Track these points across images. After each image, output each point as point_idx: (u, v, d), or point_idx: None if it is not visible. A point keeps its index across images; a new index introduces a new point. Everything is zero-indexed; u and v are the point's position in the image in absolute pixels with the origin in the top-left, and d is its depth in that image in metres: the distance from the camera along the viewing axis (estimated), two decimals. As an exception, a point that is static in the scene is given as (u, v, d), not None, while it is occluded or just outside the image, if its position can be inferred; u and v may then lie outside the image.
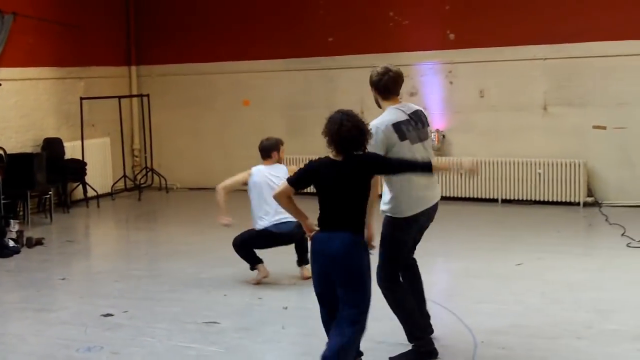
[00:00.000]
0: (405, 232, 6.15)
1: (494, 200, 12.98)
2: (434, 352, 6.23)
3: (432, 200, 6.22)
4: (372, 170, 5.55)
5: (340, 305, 5.46)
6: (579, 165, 12.41)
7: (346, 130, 5.38)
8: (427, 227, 6.38)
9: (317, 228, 5.51)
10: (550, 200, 12.65)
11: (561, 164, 12.54)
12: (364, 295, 5.45)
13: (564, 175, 12.52)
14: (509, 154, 12.91)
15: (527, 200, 12.80)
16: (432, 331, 6.46)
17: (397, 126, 6.01)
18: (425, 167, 5.74)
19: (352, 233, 5.41)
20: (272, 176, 8.54)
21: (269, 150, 8.74)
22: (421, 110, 6.32)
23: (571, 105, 12.67)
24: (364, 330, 5.54)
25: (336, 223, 5.43)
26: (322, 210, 5.52)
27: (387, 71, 6.24)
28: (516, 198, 12.86)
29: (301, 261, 8.72)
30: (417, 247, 6.49)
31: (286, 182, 5.59)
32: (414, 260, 6.53)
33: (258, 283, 8.54)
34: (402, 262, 6.29)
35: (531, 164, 12.73)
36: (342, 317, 5.45)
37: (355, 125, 5.42)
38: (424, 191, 6.13)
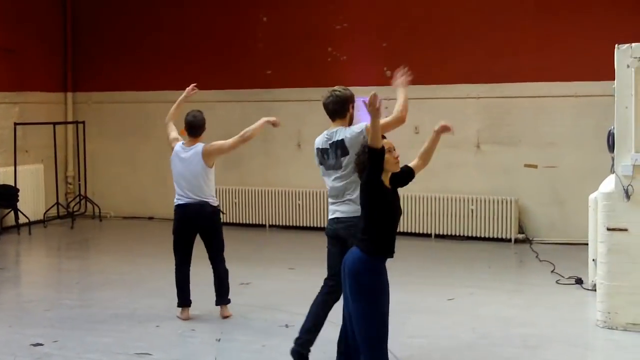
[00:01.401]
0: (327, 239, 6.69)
1: (428, 235, 13.13)
2: None
3: (334, 213, 6.58)
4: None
5: None
6: (511, 202, 12.64)
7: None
8: (340, 240, 6.50)
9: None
10: (482, 236, 12.84)
11: (493, 201, 12.76)
12: None
13: (496, 211, 12.74)
14: (443, 190, 13.10)
15: (459, 236, 12.98)
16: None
17: (318, 150, 6.66)
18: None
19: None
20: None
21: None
22: (342, 141, 6.50)
23: (503, 144, 12.93)
24: None
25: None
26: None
27: (328, 95, 6.72)
28: (449, 233, 13.03)
29: (220, 300, 8.52)
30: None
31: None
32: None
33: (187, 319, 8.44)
34: (328, 270, 6.67)
35: (464, 200, 12.93)
36: None
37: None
38: (331, 205, 6.63)
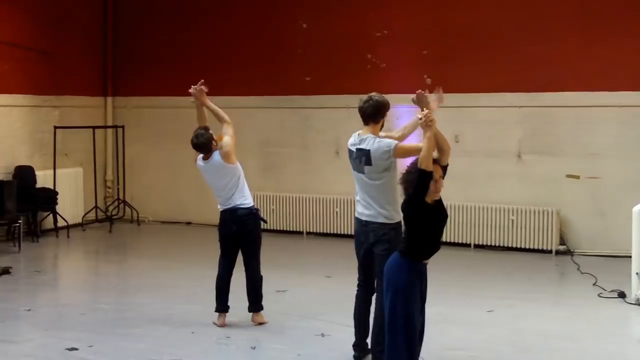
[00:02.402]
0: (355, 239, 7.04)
1: (467, 245, 12.97)
2: None
3: (361, 216, 6.88)
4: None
5: None
6: (552, 213, 12.44)
7: None
8: (368, 246, 6.85)
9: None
10: (523, 247, 12.65)
11: (534, 212, 12.56)
12: None
13: (537, 222, 12.54)
14: (483, 200, 12.93)
15: (499, 247, 12.80)
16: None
17: (349, 150, 6.93)
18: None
19: None
20: None
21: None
22: (368, 152, 6.71)
23: (545, 154, 12.73)
24: None
25: None
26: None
27: (367, 99, 6.98)
28: (489, 244, 12.86)
29: (252, 307, 8.49)
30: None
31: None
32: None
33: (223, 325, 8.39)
34: (359, 272, 7.06)
35: (505, 211, 12.74)
36: None
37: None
38: (358, 208, 6.92)
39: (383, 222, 6.74)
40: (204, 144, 8.30)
